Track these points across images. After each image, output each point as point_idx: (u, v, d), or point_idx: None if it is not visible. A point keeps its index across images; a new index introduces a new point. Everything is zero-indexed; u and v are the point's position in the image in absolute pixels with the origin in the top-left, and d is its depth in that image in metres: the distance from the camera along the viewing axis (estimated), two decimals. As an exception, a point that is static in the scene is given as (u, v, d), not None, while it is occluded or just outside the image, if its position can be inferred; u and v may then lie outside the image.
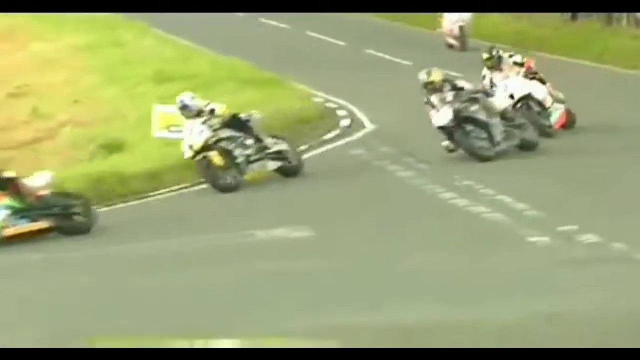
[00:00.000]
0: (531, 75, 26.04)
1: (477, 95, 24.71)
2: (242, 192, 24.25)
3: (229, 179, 23.74)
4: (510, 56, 26.43)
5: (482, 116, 24.12)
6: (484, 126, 24.06)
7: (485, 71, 26.16)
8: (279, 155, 24.39)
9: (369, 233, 20.41)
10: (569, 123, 26.06)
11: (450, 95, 24.11)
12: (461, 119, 23.94)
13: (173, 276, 18.30)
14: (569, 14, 41.28)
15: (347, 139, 27.89)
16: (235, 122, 24.39)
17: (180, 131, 27.11)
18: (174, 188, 25.16)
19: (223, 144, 23.75)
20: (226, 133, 24.02)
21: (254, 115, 24.55)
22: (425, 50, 39.43)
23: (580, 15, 40.83)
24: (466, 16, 37.38)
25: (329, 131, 29.03)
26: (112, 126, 30.70)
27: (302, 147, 27.33)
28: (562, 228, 18.52)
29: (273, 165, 24.25)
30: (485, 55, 26.33)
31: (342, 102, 31.77)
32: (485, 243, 18.89)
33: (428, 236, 19.73)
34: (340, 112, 30.89)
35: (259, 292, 16.72)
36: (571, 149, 24.52)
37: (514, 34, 38.97)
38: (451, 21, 37.74)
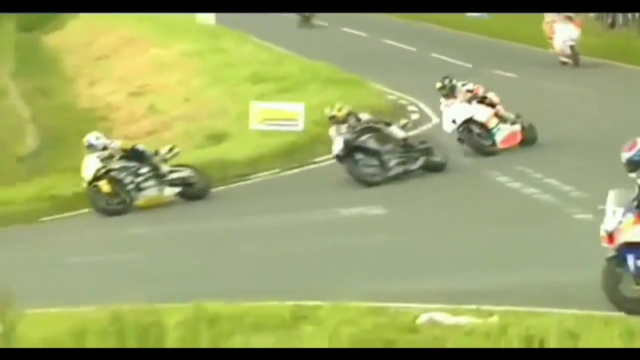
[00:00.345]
0: (480, 99, 24.93)
1: (377, 125, 23.93)
2: (326, 175, 24.61)
3: (115, 204, 23.17)
4: (463, 84, 25.31)
5: (372, 145, 23.31)
6: (375, 154, 23.22)
7: (441, 99, 25.17)
8: (180, 182, 23.70)
9: (434, 210, 20.69)
10: (527, 140, 24.78)
11: (344, 127, 23.50)
12: (351, 148, 23.15)
13: (271, 246, 18.71)
14: (608, 21, 40.84)
15: (416, 131, 27.97)
16: (133, 153, 23.89)
17: (274, 124, 27.67)
18: (268, 172, 25.51)
19: (113, 173, 23.19)
20: (118, 164, 23.46)
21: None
22: (484, 52, 39.66)
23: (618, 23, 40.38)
24: (574, 35, 36.29)
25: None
26: (216, 120, 30.97)
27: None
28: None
29: (170, 190, 23.54)
30: (439, 85, 25.25)
31: (411, 99, 31.88)
32: (536, 220, 19.00)
33: (487, 214, 19.85)
34: (410, 108, 31.05)
35: (341, 260, 17.06)
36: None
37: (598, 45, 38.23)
38: (561, 41, 36.47)
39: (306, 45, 41.52)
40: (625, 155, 13.64)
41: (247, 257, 17.99)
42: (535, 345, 7.21)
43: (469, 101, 24.74)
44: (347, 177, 23.39)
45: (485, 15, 46.63)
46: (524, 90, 32.23)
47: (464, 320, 12.81)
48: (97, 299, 12.79)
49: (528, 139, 24.81)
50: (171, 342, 9.74)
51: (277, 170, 25.62)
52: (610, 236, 13.69)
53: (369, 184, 22.98)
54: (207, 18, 45.31)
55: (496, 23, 45.47)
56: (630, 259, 13.79)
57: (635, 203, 13.71)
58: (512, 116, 24.89)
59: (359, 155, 23.22)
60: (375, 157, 23.29)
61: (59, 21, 59.69)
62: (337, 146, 23.23)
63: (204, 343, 9.90)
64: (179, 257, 18.42)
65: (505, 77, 34.95)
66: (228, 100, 32.61)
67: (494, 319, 12.74)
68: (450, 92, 24.97)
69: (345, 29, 48.02)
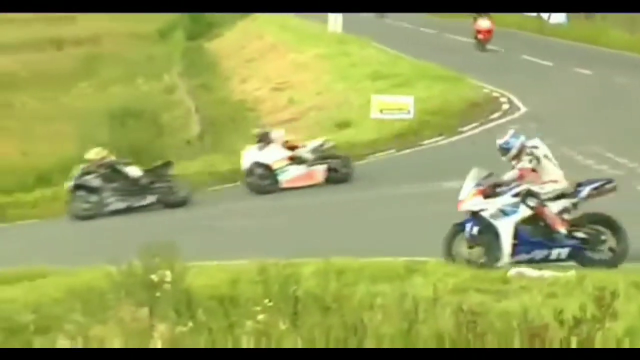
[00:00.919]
0: (288, 144, 23.01)
1: (115, 165, 22.06)
2: (432, 155, 24.49)
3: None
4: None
5: (94, 183, 21.56)
6: (94, 190, 21.57)
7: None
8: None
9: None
10: (333, 179, 22.75)
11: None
12: (74, 187, 21.64)
13: (388, 212, 18.70)
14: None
15: (506, 118, 27.73)
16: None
17: (390, 113, 27.62)
18: (385, 152, 25.52)
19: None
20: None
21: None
22: (563, 53, 38.97)
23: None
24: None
25: (493, 112, 28.94)
26: (342, 110, 31.02)
27: (473, 124, 27.51)
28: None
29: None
30: (255, 132, 23.63)
31: (503, 92, 31.47)
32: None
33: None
34: (502, 99, 30.67)
35: (444, 224, 16.96)
36: None
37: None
38: None
39: (416, 47, 41.16)
40: (498, 142, 14.16)
41: (368, 222, 17.97)
42: (607, 296, 7.05)
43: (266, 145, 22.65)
44: (450, 157, 23.27)
45: (563, 20, 45.82)
46: (597, 85, 31.75)
47: (547, 273, 12.60)
48: (248, 255, 12.86)
49: (335, 178, 22.72)
50: (305, 288, 9.71)
51: (392, 151, 25.53)
52: (460, 204, 14.04)
53: (83, 217, 21.42)
54: (336, 27, 45.31)
55: (574, 28, 44.66)
56: (468, 226, 13.88)
57: (482, 180, 14.06)
58: (310, 157, 22.82)
59: (79, 192, 21.70)
60: (95, 193, 21.72)
61: (218, 31, 60.42)
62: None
63: (332, 290, 9.86)
64: (315, 223, 18.46)
65: (582, 73, 34.36)
66: (352, 94, 32.60)
67: (572, 272, 12.52)
68: (265, 139, 22.78)
69: (448, 35, 47.51)
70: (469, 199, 14.04)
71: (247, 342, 7.81)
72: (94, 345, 8.02)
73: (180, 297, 9.07)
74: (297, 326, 8.21)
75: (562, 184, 13.98)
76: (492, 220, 13.78)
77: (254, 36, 52.96)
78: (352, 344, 7.63)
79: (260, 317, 8.36)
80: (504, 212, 13.85)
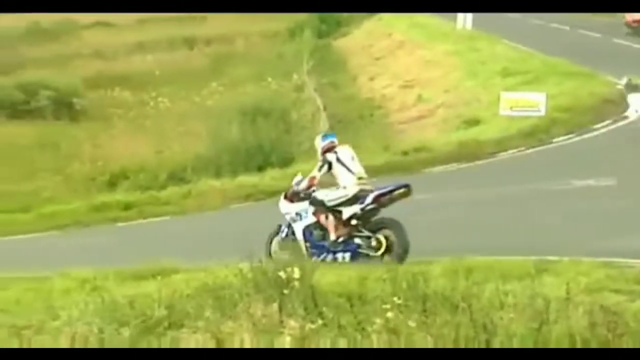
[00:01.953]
0: None
1: None
2: (562, 153, 24.06)
3: None
4: None
5: None
6: None
7: None
8: None
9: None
10: None
11: None
12: None
13: (517, 210, 18.28)
14: None
15: (641, 115, 27.12)
16: None
17: (520, 111, 27.22)
18: (514, 150, 25.14)
19: None
20: None
21: None
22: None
23: None
24: None
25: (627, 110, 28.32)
26: (471, 107, 30.78)
27: (606, 122, 26.90)
28: None
29: None
30: None
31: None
32: None
33: None
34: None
35: (575, 223, 16.64)
36: None
37: None
38: None
39: (545, 44, 40.52)
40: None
41: (497, 220, 17.74)
42: None
43: None
44: (581, 154, 22.84)
45: None
46: None
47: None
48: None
49: None
50: (434, 286, 9.65)
51: (522, 149, 25.16)
52: None
53: None
54: (465, 24, 44.92)
55: None
56: (283, 228, 14.61)
57: (295, 184, 14.64)
58: None
59: None
60: None
61: (346, 29, 60.64)
62: None
63: (461, 289, 9.77)
64: (445, 220, 18.31)
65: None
66: (481, 91, 32.29)
67: None
68: None
69: (581, 31, 46.59)
70: (281, 203, 14.78)
71: (377, 340, 7.82)
72: (225, 341, 8.15)
73: (308, 295, 9.14)
74: (426, 324, 8.18)
75: (351, 190, 14.08)
76: (292, 223, 14.50)
77: (381, 34, 52.94)
78: (481, 342, 7.57)
79: (389, 315, 8.34)
80: (299, 216, 14.50)
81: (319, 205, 14.33)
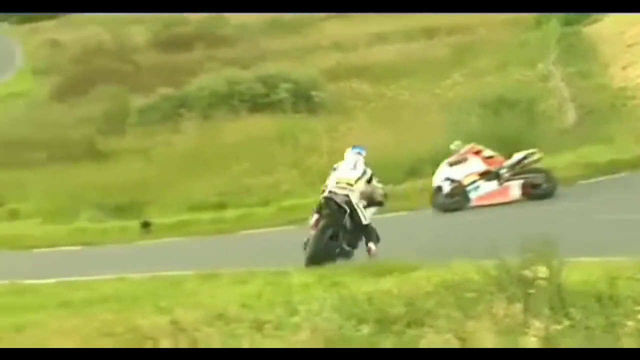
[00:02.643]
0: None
1: None
2: None
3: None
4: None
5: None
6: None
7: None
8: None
9: None
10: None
11: None
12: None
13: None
14: None
15: None
16: None
17: None
18: None
19: None
20: None
21: None
22: None
23: None
24: None
25: None
26: None
27: None
28: None
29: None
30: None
31: None
32: None
33: None
34: None
35: None
36: None
37: None
38: None
39: None
40: None
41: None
42: None
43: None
44: None
45: None
46: None
47: None
48: (628, 251, 12.43)
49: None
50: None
51: None
52: None
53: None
54: None
55: None
56: None
57: None
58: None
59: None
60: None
61: (596, 16, 59.00)
62: None
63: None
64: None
65: None
66: None
67: None
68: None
69: None
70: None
71: (628, 343, 7.59)
72: (467, 340, 8.12)
73: (555, 294, 8.96)
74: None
75: None
76: None
77: (633, 20, 51.13)
78: None
79: (642, 317, 8.08)
80: None
81: None
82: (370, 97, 41.36)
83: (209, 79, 41.95)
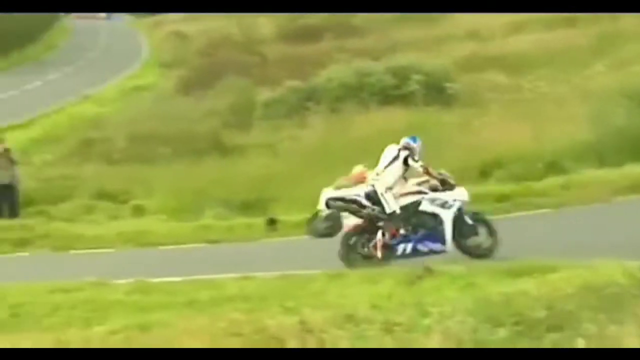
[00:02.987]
0: None
1: None
2: None
3: None
4: None
5: None
6: None
7: None
8: None
9: None
10: None
11: None
12: None
13: None
14: None
15: None
16: None
17: None
18: None
19: None
20: None
21: None
22: None
23: None
24: None
25: None
26: None
27: None
28: None
29: None
30: None
31: None
32: None
33: None
34: None
35: None
36: None
37: None
38: None
39: None
40: None
41: None
42: None
43: None
44: None
45: None
46: None
47: None
48: None
49: None
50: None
51: None
52: None
53: None
54: None
55: None
56: None
57: None
58: None
59: None
60: None
61: None
62: None
63: None
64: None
65: None
66: None
67: None
68: None
69: None
70: None
71: None
72: (610, 345, 7.96)
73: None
74: None
75: None
76: None
77: None
78: None
79: None
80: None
81: None
82: (507, 89, 40.84)
83: (337, 71, 42.03)
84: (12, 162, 30.38)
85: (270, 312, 11.41)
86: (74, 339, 11.78)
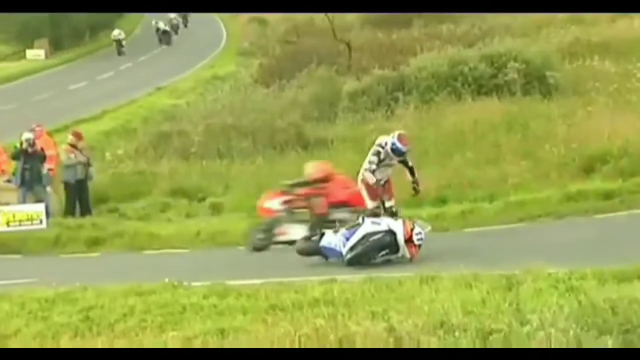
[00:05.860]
0: None
1: None
2: None
3: None
4: None
5: None
6: None
7: None
8: None
9: None
10: None
11: None
12: None
13: None
14: None
15: None
16: None
17: None
18: None
19: None
20: None
21: None
22: None
23: None
24: None
25: None
26: None
27: None
28: None
29: None
30: None
31: None
32: None
33: None
34: None
35: None
36: None
37: None
38: None
39: None
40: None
41: None
42: None
43: None
44: None
45: None
46: None
47: None
48: None
49: None
50: None
51: None
52: None
53: None
54: None
55: None
56: None
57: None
58: None
59: None
60: None
61: None
62: None
63: None
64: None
65: None
66: None
67: None
68: None
69: None
70: None
71: None
72: None
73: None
74: None
75: None
76: None
77: None
78: None
79: None
80: None
81: None
82: (613, 77, 40.30)
83: (428, 59, 41.85)
84: (88, 157, 30.97)
85: (356, 318, 11.41)
86: (148, 345, 11.90)
